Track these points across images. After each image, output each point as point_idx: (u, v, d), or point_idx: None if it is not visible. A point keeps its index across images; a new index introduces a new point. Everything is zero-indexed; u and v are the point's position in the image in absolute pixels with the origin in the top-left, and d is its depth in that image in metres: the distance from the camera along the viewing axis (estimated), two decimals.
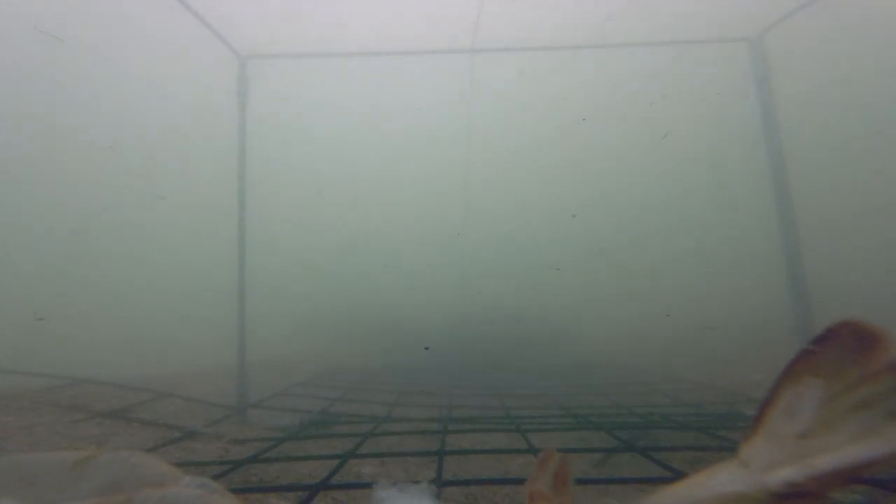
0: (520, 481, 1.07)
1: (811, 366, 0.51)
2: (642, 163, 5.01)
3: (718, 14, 2.87)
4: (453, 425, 1.77)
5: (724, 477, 0.49)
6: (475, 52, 3.15)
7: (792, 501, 0.43)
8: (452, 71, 4.27)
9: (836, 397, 0.48)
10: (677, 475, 1.05)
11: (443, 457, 1.29)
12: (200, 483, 0.64)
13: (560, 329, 4.53)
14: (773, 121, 2.42)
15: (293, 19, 3.30)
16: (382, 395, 2.53)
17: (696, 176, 4.96)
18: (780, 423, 0.49)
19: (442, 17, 3.31)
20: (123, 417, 1.79)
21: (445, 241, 6.06)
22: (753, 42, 2.51)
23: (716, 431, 1.47)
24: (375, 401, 2.35)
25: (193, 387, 2.56)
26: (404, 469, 1.26)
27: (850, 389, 0.48)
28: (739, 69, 2.56)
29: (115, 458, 0.64)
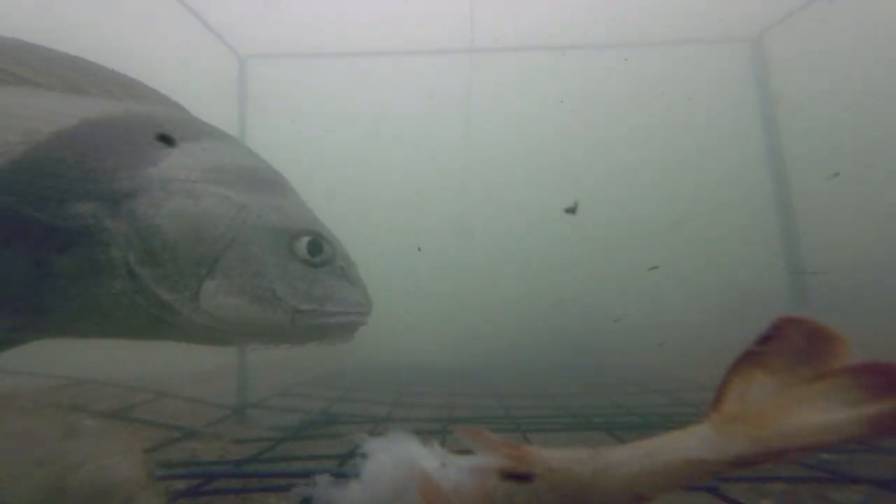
0: None
1: (757, 364, 0.53)
2: (642, 163, 5.01)
3: (718, 14, 2.88)
4: (453, 426, 1.77)
5: (689, 442, 0.53)
6: (476, 51, 3.15)
7: (745, 466, 0.49)
8: (454, 70, 4.28)
9: (788, 389, 0.51)
10: None
11: None
12: None
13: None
14: (773, 121, 2.43)
15: (293, 19, 3.30)
16: (383, 395, 2.54)
17: (695, 176, 4.96)
18: (734, 407, 0.52)
19: (443, 18, 3.31)
20: (123, 417, 1.79)
21: (452, 243, 6.08)
22: (753, 42, 2.51)
23: None
24: (375, 401, 2.35)
25: (193, 387, 2.56)
26: None
27: (803, 384, 0.51)
28: (739, 69, 2.56)
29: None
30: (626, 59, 3.57)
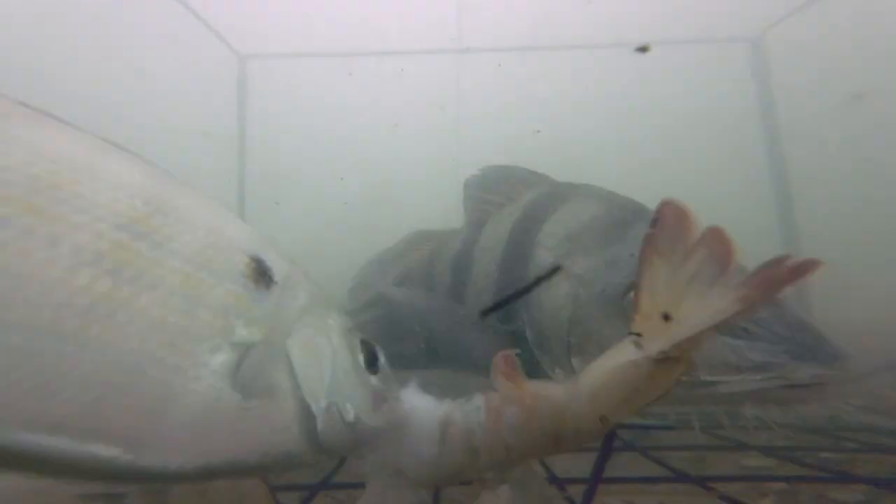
0: None
1: (653, 248, 0.62)
2: (641, 163, 5.01)
3: (718, 14, 2.88)
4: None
5: (621, 351, 0.62)
6: (476, 51, 3.16)
7: (667, 363, 0.59)
8: (456, 70, 4.28)
9: (675, 274, 0.60)
10: (678, 475, 1.05)
11: None
12: None
13: None
14: (773, 121, 2.43)
15: (293, 19, 3.30)
16: None
17: (695, 176, 4.97)
18: (647, 304, 0.61)
19: (445, 17, 3.31)
20: None
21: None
22: (753, 42, 2.51)
23: (716, 431, 1.47)
24: None
25: None
26: None
27: (682, 265, 0.60)
28: (739, 69, 2.56)
29: None
30: (624, 60, 3.57)
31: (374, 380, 0.68)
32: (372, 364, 0.70)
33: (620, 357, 0.62)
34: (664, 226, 0.61)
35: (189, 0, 2.49)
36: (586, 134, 5.15)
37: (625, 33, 3.40)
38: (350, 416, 0.61)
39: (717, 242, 0.59)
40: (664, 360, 0.59)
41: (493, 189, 1.75)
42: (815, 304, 2.21)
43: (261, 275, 0.59)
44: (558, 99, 4.69)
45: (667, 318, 0.59)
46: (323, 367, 0.61)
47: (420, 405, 0.67)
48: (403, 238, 2.27)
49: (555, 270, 1.20)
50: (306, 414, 0.59)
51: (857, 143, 4.31)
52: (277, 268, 0.63)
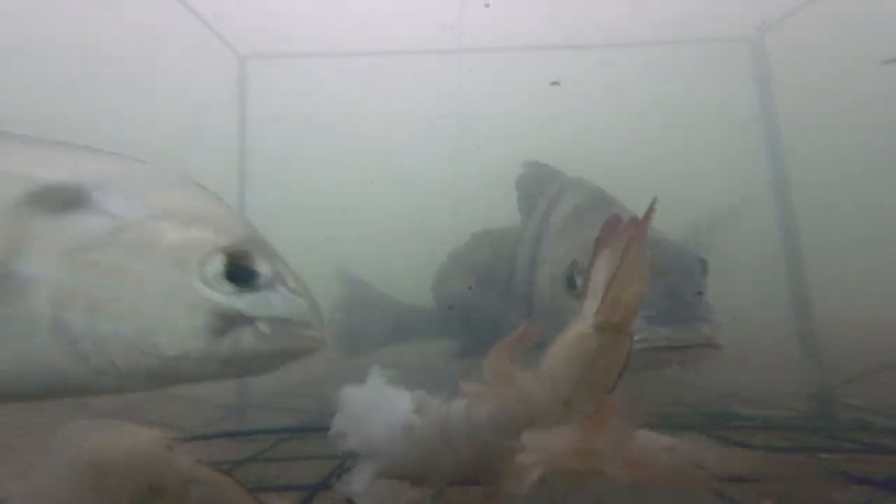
0: None
1: (604, 247, 0.72)
2: (640, 164, 5.01)
3: (718, 14, 2.88)
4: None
5: (569, 328, 0.67)
6: (476, 52, 3.15)
7: (609, 332, 0.64)
8: (458, 70, 4.27)
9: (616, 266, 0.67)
10: None
11: None
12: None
13: None
14: (773, 121, 2.42)
15: (293, 19, 3.30)
16: None
17: (694, 175, 4.96)
18: (595, 286, 0.68)
19: (446, 17, 3.31)
20: (125, 417, 1.79)
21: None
22: (753, 42, 2.50)
23: (715, 431, 1.47)
24: None
25: (194, 387, 2.55)
26: None
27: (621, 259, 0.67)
28: (739, 69, 2.55)
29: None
30: (624, 60, 3.58)
31: (227, 299, 0.64)
32: (239, 279, 0.66)
33: (569, 333, 0.66)
34: (611, 233, 0.72)
35: (189, 0, 2.49)
36: (586, 134, 5.14)
37: (625, 34, 3.40)
38: (141, 343, 0.59)
39: (630, 230, 0.68)
40: (607, 328, 0.63)
41: (533, 186, 1.96)
42: (814, 303, 2.21)
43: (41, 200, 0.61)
44: (558, 99, 4.69)
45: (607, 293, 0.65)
46: (100, 287, 0.60)
47: (387, 393, 0.66)
48: (469, 239, 2.47)
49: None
50: (61, 330, 0.58)
51: (856, 143, 4.30)
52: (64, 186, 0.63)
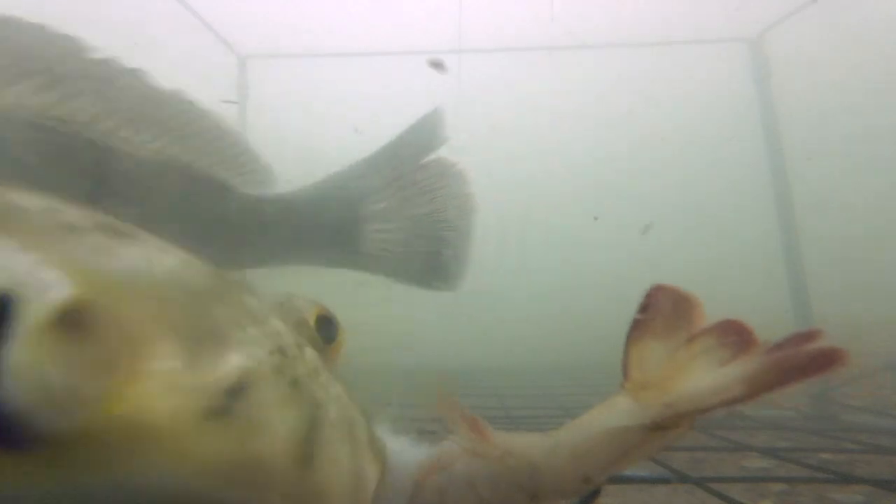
0: None
1: (648, 330, 0.59)
2: (639, 165, 5.01)
3: (718, 14, 2.87)
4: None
5: (611, 412, 0.58)
6: (476, 52, 3.15)
7: (660, 431, 0.54)
8: (457, 70, 4.26)
9: (673, 353, 0.58)
10: (678, 475, 1.05)
11: None
12: None
13: None
14: (773, 121, 2.42)
15: (293, 19, 3.30)
16: (383, 395, 2.53)
17: (693, 176, 4.96)
18: (638, 375, 0.57)
19: (447, 17, 3.30)
20: None
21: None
22: (753, 42, 2.50)
23: (716, 431, 1.47)
24: (376, 401, 2.34)
25: None
26: None
27: (682, 347, 0.58)
28: (739, 69, 2.55)
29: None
30: (623, 60, 3.57)
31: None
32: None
33: (610, 420, 0.57)
34: (659, 314, 0.58)
35: (189, 0, 2.49)
36: (585, 134, 5.14)
37: (625, 34, 3.40)
38: None
39: (732, 333, 0.55)
40: (658, 429, 0.55)
41: None
42: (814, 304, 2.21)
43: None
44: (558, 99, 4.68)
45: (661, 387, 0.56)
46: None
47: (396, 448, 0.60)
48: None
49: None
50: None
51: (856, 143, 4.30)
52: None
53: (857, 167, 4.49)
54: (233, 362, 0.28)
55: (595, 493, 0.79)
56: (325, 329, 0.56)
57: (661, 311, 0.58)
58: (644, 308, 0.59)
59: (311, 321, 0.53)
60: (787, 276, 2.27)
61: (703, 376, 0.54)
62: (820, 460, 1.20)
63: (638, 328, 0.59)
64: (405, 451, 0.60)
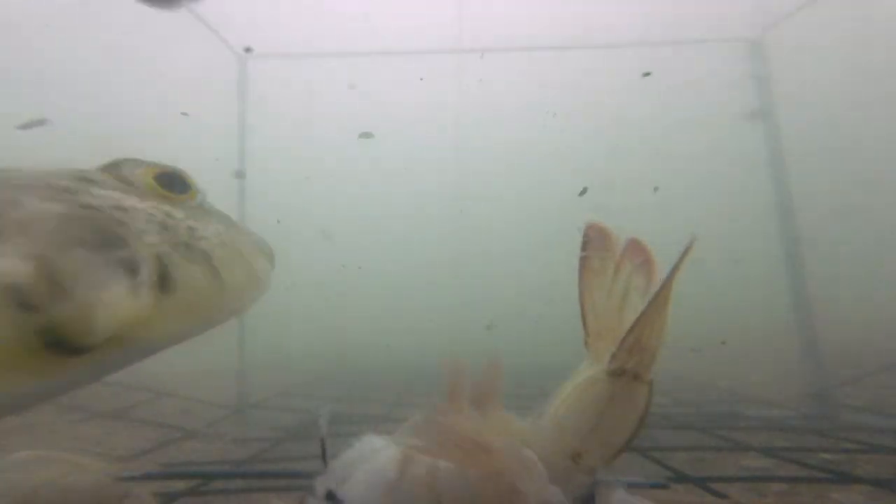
0: None
1: (589, 268, 0.67)
2: (640, 163, 5.01)
3: (718, 14, 2.87)
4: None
5: (581, 373, 0.63)
6: (478, 51, 3.15)
7: (625, 379, 0.59)
8: (458, 70, 4.27)
9: (609, 291, 0.66)
10: (678, 475, 1.05)
11: None
12: None
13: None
14: (773, 121, 2.42)
15: (293, 19, 3.30)
16: (383, 395, 2.54)
17: (694, 176, 4.96)
18: (594, 323, 0.64)
19: (447, 17, 3.30)
20: (123, 417, 1.79)
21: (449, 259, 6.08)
22: (753, 42, 2.50)
23: (716, 431, 1.47)
24: (376, 401, 2.35)
25: (193, 387, 2.56)
26: None
27: (614, 281, 0.66)
28: (739, 69, 2.55)
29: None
30: (624, 60, 3.57)
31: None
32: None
33: (579, 377, 0.61)
34: (592, 244, 0.68)
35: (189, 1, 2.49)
36: (585, 134, 5.14)
37: (625, 34, 3.40)
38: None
39: (637, 252, 0.66)
40: (621, 375, 0.58)
41: None
42: (815, 304, 2.20)
43: None
44: (557, 99, 4.68)
45: (609, 334, 0.61)
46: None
47: (375, 445, 0.60)
48: None
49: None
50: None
51: (857, 143, 4.30)
52: None
53: (857, 167, 4.48)
54: (149, 263, 0.50)
55: (592, 495, 0.79)
56: (175, 183, 0.68)
57: (594, 244, 0.68)
58: (584, 245, 0.69)
59: (151, 179, 0.65)
60: (788, 277, 2.27)
61: (635, 313, 0.61)
62: (820, 460, 1.20)
63: (583, 267, 0.68)
64: (388, 442, 0.60)
